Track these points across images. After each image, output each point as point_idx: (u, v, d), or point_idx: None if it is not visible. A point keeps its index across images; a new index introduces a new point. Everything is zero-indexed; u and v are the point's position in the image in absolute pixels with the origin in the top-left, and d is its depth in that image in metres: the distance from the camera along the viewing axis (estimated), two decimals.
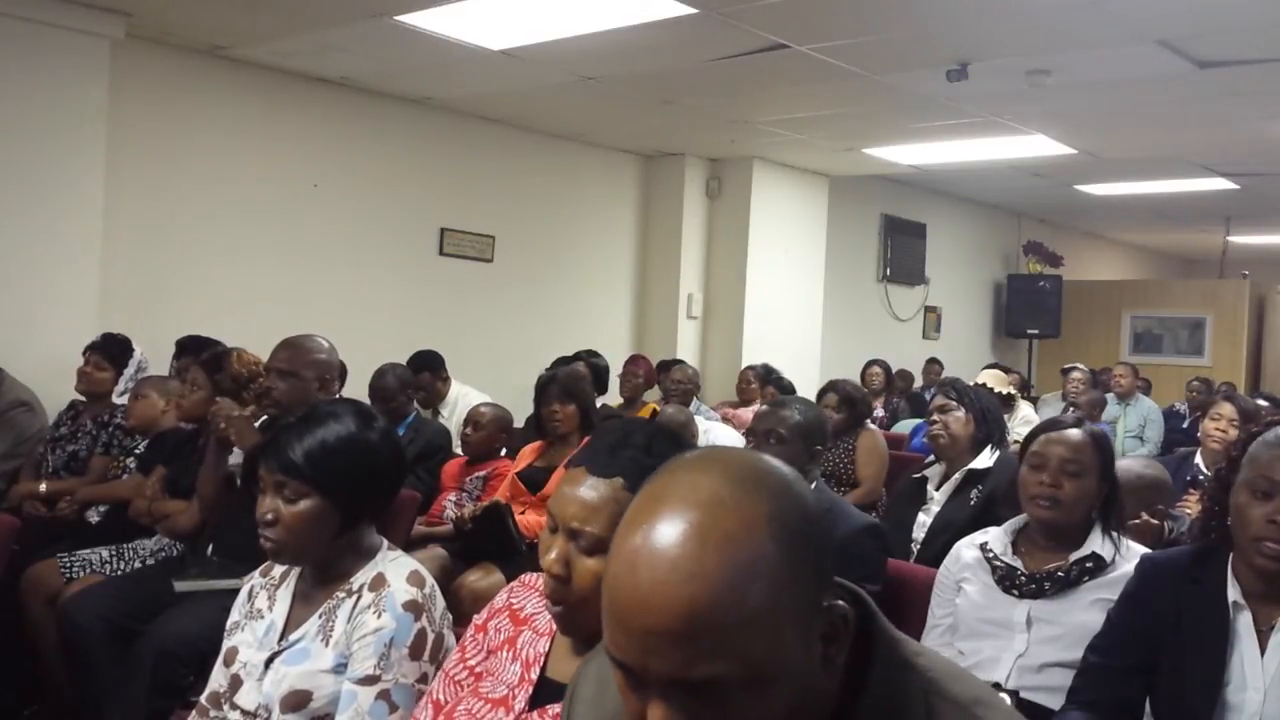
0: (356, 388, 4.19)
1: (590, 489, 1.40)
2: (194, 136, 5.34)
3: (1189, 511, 3.15)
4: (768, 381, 6.19)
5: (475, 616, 1.69)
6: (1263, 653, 1.80)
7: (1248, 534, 1.80)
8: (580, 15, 4.47)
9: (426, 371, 5.32)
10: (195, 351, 4.10)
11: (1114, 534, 2.32)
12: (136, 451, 3.98)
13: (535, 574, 1.60)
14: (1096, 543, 2.29)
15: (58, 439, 4.17)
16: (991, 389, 4.33)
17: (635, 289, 7.78)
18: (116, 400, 4.21)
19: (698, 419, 5.01)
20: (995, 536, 2.42)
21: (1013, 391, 5.48)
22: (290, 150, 5.75)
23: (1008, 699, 1.99)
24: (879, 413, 7.20)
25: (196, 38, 5.14)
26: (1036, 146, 6.75)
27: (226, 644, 1.95)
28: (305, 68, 5.59)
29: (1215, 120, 5.88)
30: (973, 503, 3.25)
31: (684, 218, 7.60)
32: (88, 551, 3.44)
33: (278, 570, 1.99)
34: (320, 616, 1.85)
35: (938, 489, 3.40)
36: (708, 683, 0.83)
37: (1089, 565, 2.27)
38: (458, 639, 1.74)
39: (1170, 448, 6.51)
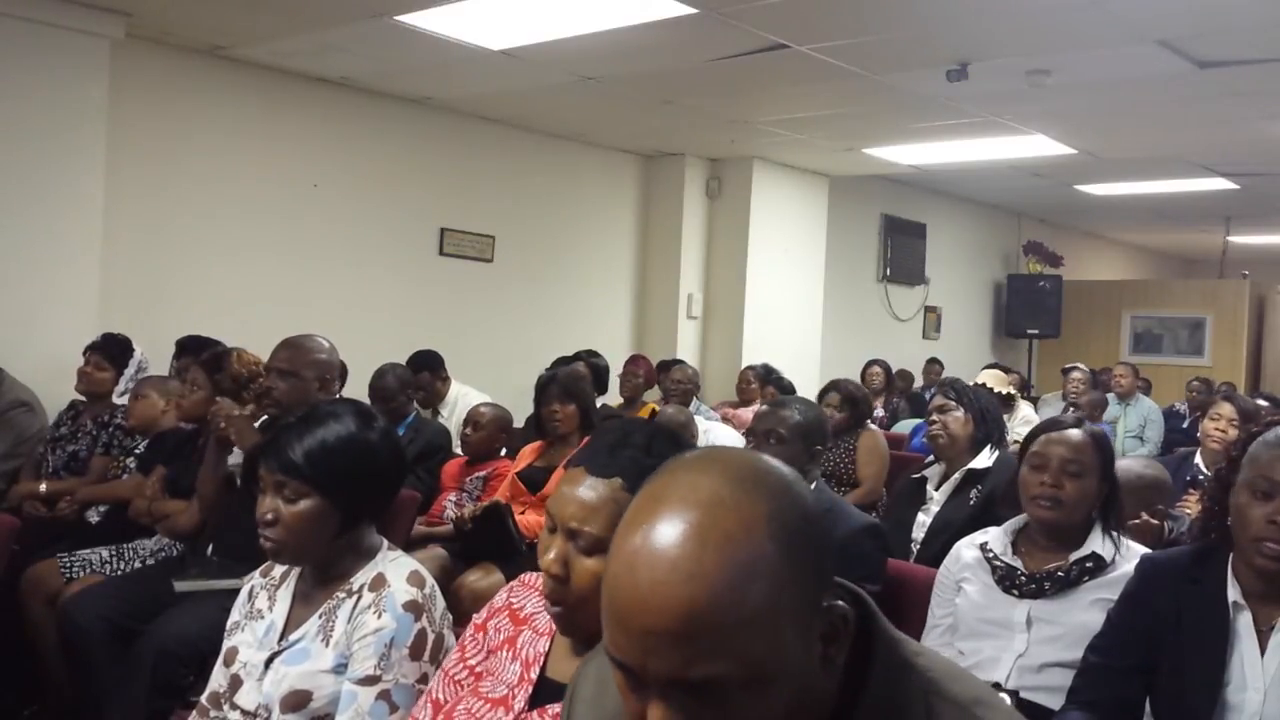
0: (356, 388, 4.19)
1: (589, 489, 1.40)
2: (194, 136, 5.34)
3: (1189, 511, 3.15)
4: (768, 381, 6.19)
5: (475, 616, 1.69)
6: (1263, 653, 1.80)
7: (1248, 534, 1.80)
8: (580, 15, 4.47)
9: (426, 371, 5.32)
10: (195, 351, 4.10)
11: (1114, 534, 2.32)
12: (136, 451, 3.98)
13: (535, 574, 1.59)
14: (1096, 543, 2.29)
15: (58, 439, 4.17)
16: (991, 389, 4.34)
17: (635, 289, 7.78)
18: (117, 400, 4.21)
19: (697, 419, 5.01)
20: (995, 536, 2.41)
21: (1012, 391, 5.48)
22: (290, 150, 5.75)
23: (1008, 699, 1.99)
24: (879, 413, 7.20)
25: (196, 38, 5.14)
26: (1036, 146, 6.75)
27: (226, 644, 1.95)
28: (305, 68, 5.59)
29: (1215, 120, 5.87)
30: (972, 503, 3.26)
31: (684, 218, 7.59)
32: (88, 551, 3.44)
33: (278, 570, 1.99)
34: (320, 617, 1.85)
35: (937, 489, 3.40)
36: (707, 683, 0.83)
37: (1089, 565, 2.27)
38: (458, 639, 1.74)
39: (1170, 448, 6.50)
